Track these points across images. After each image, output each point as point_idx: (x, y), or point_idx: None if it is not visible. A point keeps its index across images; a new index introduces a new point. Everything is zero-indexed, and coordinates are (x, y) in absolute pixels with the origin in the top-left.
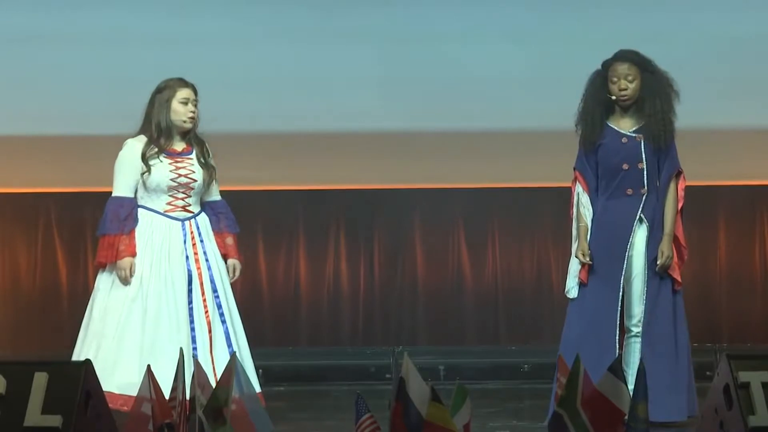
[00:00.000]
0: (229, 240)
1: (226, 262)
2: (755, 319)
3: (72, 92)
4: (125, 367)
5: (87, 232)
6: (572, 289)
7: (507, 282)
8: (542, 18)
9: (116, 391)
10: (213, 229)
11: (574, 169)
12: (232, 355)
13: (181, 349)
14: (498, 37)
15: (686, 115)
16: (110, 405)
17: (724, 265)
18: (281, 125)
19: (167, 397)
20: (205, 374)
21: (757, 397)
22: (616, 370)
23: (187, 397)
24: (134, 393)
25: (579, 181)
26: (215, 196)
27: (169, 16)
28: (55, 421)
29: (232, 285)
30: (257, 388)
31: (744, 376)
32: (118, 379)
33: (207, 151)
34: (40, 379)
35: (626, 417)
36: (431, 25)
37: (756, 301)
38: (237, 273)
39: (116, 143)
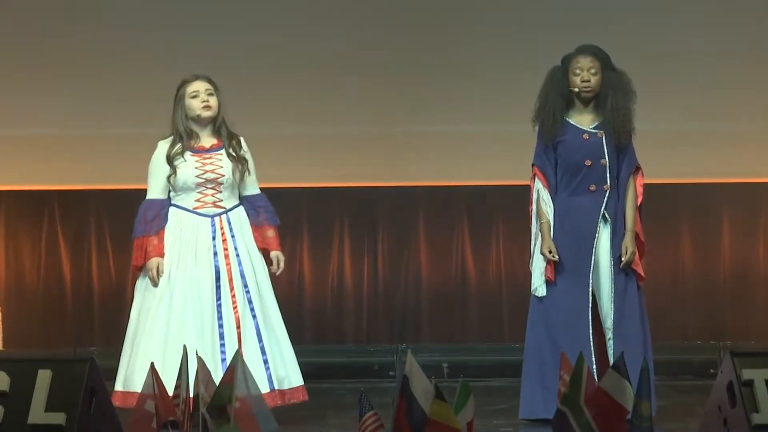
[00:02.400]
0: (270, 232)
1: (269, 255)
2: (759, 316)
3: (77, 91)
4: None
5: (91, 229)
6: (540, 287)
7: (511, 279)
8: (546, 15)
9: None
10: (252, 223)
11: (533, 165)
12: (236, 353)
13: (184, 347)
14: (500, 36)
15: (690, 114)
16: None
17: (727, 262)
18: (286, 124)
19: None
20: (209, 371)
21: (760, 395)
22: (620, 367)
23: (191, 394)
24: None
25: (539, 178)
26: (252, 189)
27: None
28: (58, 418)
29: (278, 278)
30: (299, 381)
31: (747, 373)
32: (140, 378)
33: (239, 144)
34: (44, 377)
35: (630, 415)
36: (435, 24)
37: (760, 298)
38: (281, 264)
39: (121, 142)
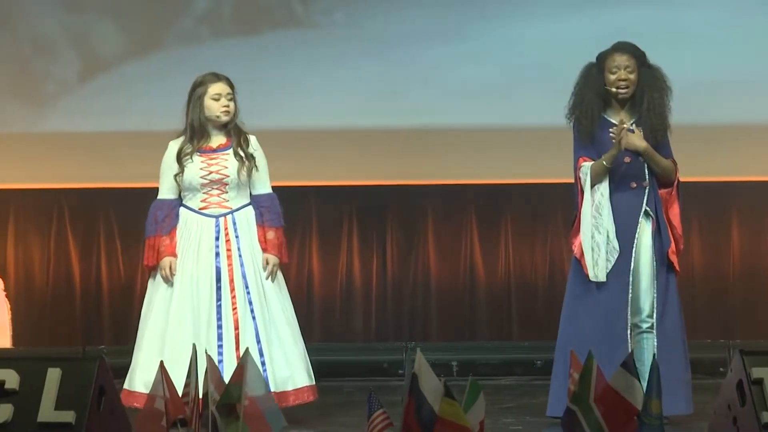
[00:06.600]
0: (270, 234)
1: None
2: None
3: (83, 89)
4: (146, 366)
5: (100, 227)
6: (598, 273)
7: (520, 277)
8: (551, 16)
9: (143, 390)
10: (257, 223)
11: (579, 157)
12: (245, 351)
13: (194, 345)
14: (506, 35)
15: (699, 111)
16: (135, 404)
17: (737, 260)
18: (292, 121)
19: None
20: (219, 370)
21: None
22: (629, 365)
23: (200, 393)
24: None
25: (587, 162)
26: (259, 189)
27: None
28: (68, 417)
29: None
30: (306, 381)
31: (757, 372)
32: (139, 377)
33: (246, 142)
34: (53, 375)
35: (640, 413)
36: (441, 22)
37: None
38: (270, 267)
39: (129, 140)
